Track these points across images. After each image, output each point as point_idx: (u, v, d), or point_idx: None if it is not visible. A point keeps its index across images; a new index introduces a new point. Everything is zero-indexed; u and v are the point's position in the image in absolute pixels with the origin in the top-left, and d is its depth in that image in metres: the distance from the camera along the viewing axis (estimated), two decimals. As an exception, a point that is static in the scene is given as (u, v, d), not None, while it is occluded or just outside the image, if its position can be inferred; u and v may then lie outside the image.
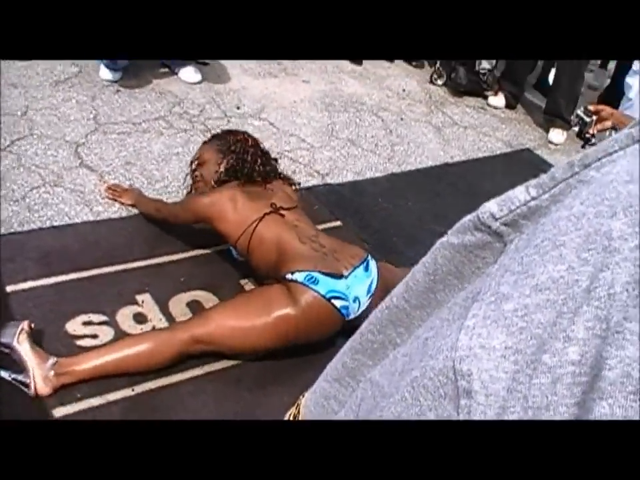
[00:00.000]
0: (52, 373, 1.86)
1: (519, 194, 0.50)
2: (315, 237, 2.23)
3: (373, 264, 2.22)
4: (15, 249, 2.33)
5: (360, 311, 2.17)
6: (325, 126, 3.70)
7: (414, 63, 4.79)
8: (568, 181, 0.47)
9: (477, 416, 0.43)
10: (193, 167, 2.51)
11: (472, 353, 0.43)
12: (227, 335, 2.02)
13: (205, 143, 2.55)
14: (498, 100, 4.59)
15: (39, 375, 1.84)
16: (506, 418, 0.42)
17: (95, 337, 2.10)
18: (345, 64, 4.45)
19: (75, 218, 2.56)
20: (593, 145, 3.51)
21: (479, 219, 0.51)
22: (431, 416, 0.47)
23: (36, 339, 1.99)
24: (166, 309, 2.26)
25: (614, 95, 4.49)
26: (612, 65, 5.20)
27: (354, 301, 2.13)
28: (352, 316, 2.15)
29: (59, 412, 1.85)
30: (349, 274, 2.13)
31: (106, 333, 2.12)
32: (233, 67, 3.96)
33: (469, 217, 0.53)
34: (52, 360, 1.88)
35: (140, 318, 2.20)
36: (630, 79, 4.31)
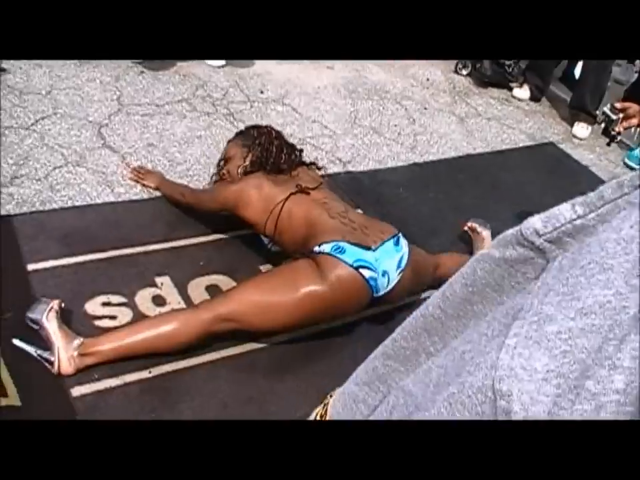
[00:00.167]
0: (76, 353, 1.87)
1: (565, 211, 0.49)
2: (344, 213, 2.21)
3: (403, 240, 2.20)
4: (36, 227, 2.34)
5: (389, 286, 2.13)
6: (348, 113, 3.69)
7: (439, 52, 4.74)
8: (617, 201, 0.45)
9: None
10: (220, 165, 2.52)
11: (513, 373, 0.42)
12: (252, 312, 1.98)
13: (229, 141, 2.54)
14: (523, 92, 4.55)
15: (64, 354, 1.85)
16: None
17: (113, 318, 2.11)
18: (370, 51, 4.42)
19: (96, 198, 2.56)
20: (619, 142, 3.49)
21: (522, 234, 0.50)
22: None
23: (65, 316, 2.00)
24: (185, 292, 2.26)
25: (641, 90, 4.44)
26: (640, 59, 5.12)
27: (383, 275, 2.09)
28: (381, 291, 2.12)
29: (77, 391, 1.86)
30: (378, 247, 2.09)
31: (125, 314, 2.13)
32: (257, 51, 3.94)
33: (511, 230, 0.53)
34: (78, 340, 1.89)
35: (159, 300, 2.20)
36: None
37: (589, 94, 4.23)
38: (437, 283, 2.53)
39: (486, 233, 2.84)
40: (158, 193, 2.65)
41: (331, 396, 0.74)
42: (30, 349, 1.89)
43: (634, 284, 0.39)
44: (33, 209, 2.42)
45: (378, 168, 3.28)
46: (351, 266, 2.01)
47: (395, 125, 3.71)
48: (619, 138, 4.01)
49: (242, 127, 3.17)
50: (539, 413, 0.41)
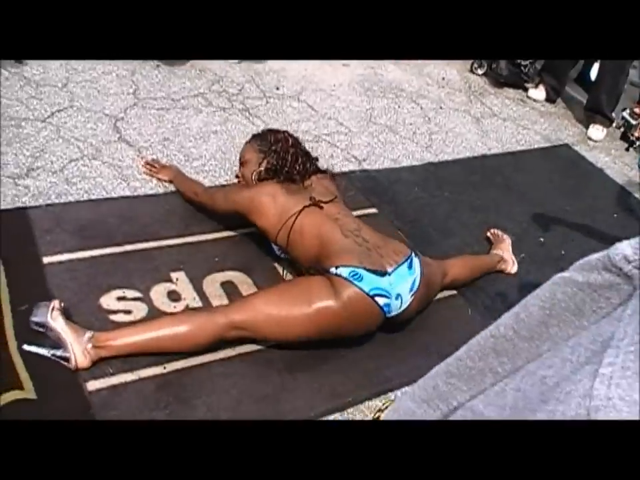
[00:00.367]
0: (90, 345, 1.87)
1: None
2: (357, 231, 2.20)
3: (416, 262, 2.19)
4: (52, 220, 2.34)
5: (402, 308, 2.15)
6: (364, 111, 3.67)
7: (454, 51, 4.72)
8: None
9: None
10: (237, 167, 2.52)
11: (610, 403, 0.41)
12: (266, 323, 2.00)
13: (246, 142, 2.53)
14: (538, 93, 4.53)
15: (78, 348, 1.85)
16: None
17: (128, 312, 2.10)
18: (385, 49, 4.40)
19: (111, 192, 2.56)
20: (638, 147, 3.46)
21: (609, 260, 0.49)
22: None
23: (71, 311, 2.00)
24: (200, 288, 2.25)
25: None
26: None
27: (396, 298, 2.11)
28: (393, 313, 2.14)
29: (92, 386, 1.86)
30: (393, 271, 2.10)
31: (140, 309, 2.12)
32: (272, 47, 3.93)
33: (596, 255, 0.52)
34: (88, 333, 1.88)
35: (174, 296, 2.20)
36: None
37: (605, 96, 4.20)
38: (450, 287, 2.54)
39: (506, 238, 2.86)
40: (173, 188, 2.65)
41: (380, 410, 0.73)
42: (43, 351, 1.87)
43: None
44: (49, 202, 2.42)
45: (393, 167, 3.26)
46: (367, 294, 2.03)
47: (411, 124, 3.70)
48: (638, 143, 4.00)
49: (258, 122, 3.18)
50: None
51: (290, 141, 2.45)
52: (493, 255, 2.77)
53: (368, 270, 2.05)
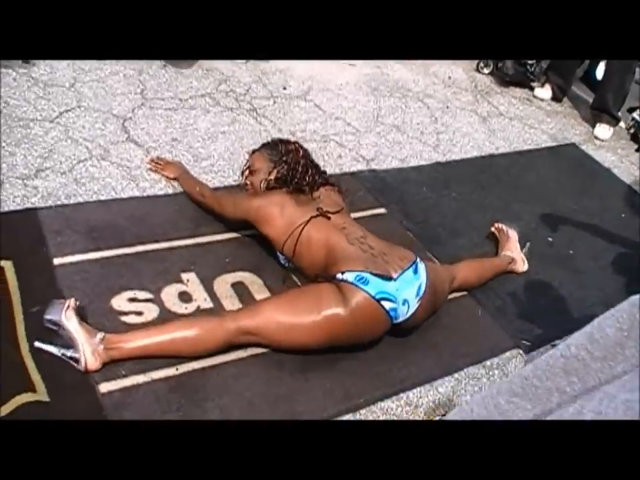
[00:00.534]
0: (101, 347, 1.86)
1: None
2: (363, 239, 2.21)
3: (422, 267, 2.19)
4: (62, 221, 2.33)
5: (408, 314, 2.15)
6: (371, 110, 3.67)
7: (460, 51, 4.72)
8: None
9: None
10: (245, 175, 2.51)
11: None
12: (275, 330, 2.01)
13: (255, 151, 2.52)
14: (544, 92, 4.52)
15: (89, 349, 1.84)
16: None
17: (139, 314, 2.10)
18: (391, 48, 4.40)
19: (121, 193, 2.55)
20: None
21: None
22: None
23: (82, 313, 1.99)
24: (211, 289, 2.25)
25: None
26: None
27: (403, 304, 2.10)
28: (400, 319, 2.13)
29: (104, 387, 1.85)
30: (398, 276, 2.10)
31: (151, 311, 2.11)
32: (279, 46, 3.93)
33: None
34: (100, 335, 1.88)
35: (185, 297, 2.19)
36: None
37: (612, 95, 4.20)
38: (459, 291, 2.54)
39: (511, 232, 2.83)
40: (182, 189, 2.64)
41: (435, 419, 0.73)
42: (53, 350, 1.87)
43: None
44: (58, 203, 2.41)
45: (401, 166, 3.26)
46: (374, 297, 2.02)
47: (418, 123, 3.69)
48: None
49: (266, 123, 3.18)
50: None
51: (301, 152, 2.45)
52: (502, 257, 2.75)
53: (374, 274, 2.05)
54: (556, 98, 4.53)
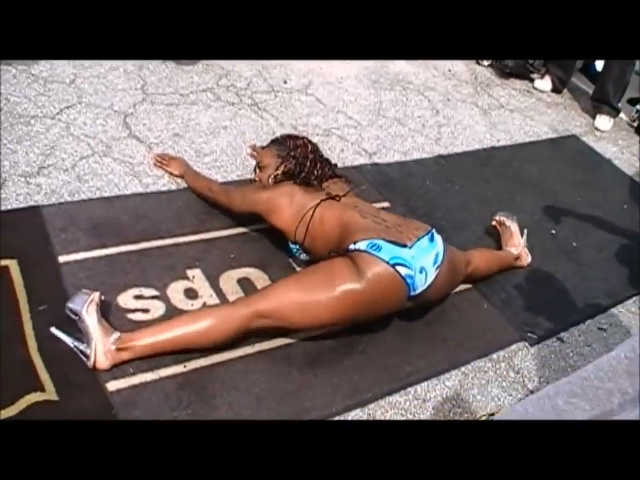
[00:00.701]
0: (113, 347, 1.85)
1: None
2: (376, 213, 2.20)
3: (438, 237, 2.17)
4: (66, 218, 2.31)
5: (427, 283, 2.11)
6: (372, 104, 3.65)
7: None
8: None
9: None
10: (255, 172, 2.50)
11: None
12: (290, 309, 1.96)
13: (264, 148, 2.51)
14: (544, 83, 4.51)
15: (101, 349, 1.83)
16: None
17: (146, 311, 2.09)
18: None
19: (124, 189, 2.53)
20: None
21: None
22: None
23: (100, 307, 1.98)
24: (217, 285, 2.24)
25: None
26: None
27: (420, 272, 2.06)
28: (418, 289, 2.09)
29: (113, 386, 1.84)
30: (413, 244, 2.06)
31: (157, 308, 2.10)
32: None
33: None
34: (115, 335, 1.86)
35: (191, 293, 2.18)
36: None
37: (612, 86, 4.19)
38: (468, 280, 2.53)
39: (513, 226, 2.82)
40: (185, 184, 2.63)
41: (491, 415, 0.72)
42: (67, 339, 1.88)
43: None
44: (62, 200, 2.40)
45: (403, 160, 3.25)
46: (388, 263, 1.99)
47: (419, 116, 3.68)
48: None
49: (267, 117, 3.17)
50: None
51: (309, 146, 2.43)
52: (508, 253, 2.74)
53: (387, 241, 2.02)
54: (556, 89, 4.52)
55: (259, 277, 2.32)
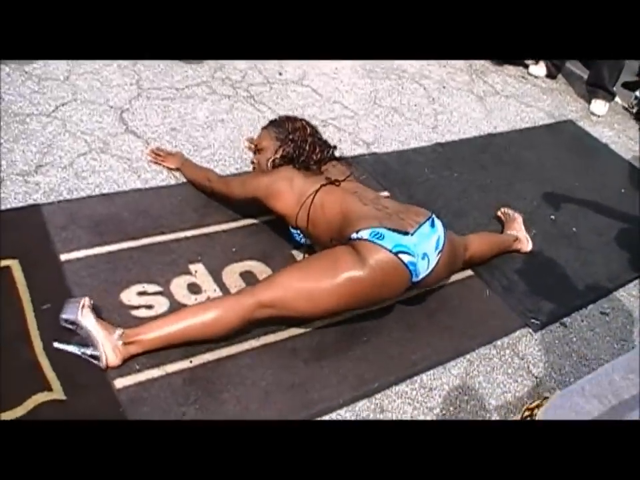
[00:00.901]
0: (120, 343, 1.84)
1: None
2: (376, 200, 2.20)
3: (438, 222, 2.18)
4: (66, 216, 2.30)
5: (429, 269, 2.11)
6: (368, 93, 3.64)
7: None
8: None
9: None
10: (254, 154, 2.49)
11: None
12: (294, 298, 1.96)
13: (263, 128, 2.50)
14: (539, 69, 4.50)
15: (109, 346, 1.82)
16: None
17: (150, 307, 2.08)
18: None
19: (123, 185, 2.52)
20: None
21: None
22: None
23: (96, 309, 1.98)
24: (219, 279, 2.23)
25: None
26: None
27: (422, 258, 2.07)
28: (421, 275, 2.09)
29: (119, 383, 1.84)
30: (415, 231, 2.06)
31: (161, 304, 2.10)
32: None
33: None
34: (119, 331, 1.86)
35: (194, 288, 2.18)
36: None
37: (607, 70, 4.18)
38: (468, 264, 2.53)
39: (517, 216, 2.84)
40: (185, 179, 2.62)
41: (530, 409, 0.72)
42: (74, 349, 1.85)
43: None
44: (61, 198, 2.38)
45: (402, 149, 3.24)
46: (391, 251, 1.98)
47: (415, 105, 3.67)
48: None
49: (264, 109, 3.15)
50: None
51: (308, 129, 2.42)
52: (508, 235, 2.76)
53: (389, 229, 2.02)
54: (550, 75, 4.52)
55: (261, 270, 2.31)
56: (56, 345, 1.85)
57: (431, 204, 2.90)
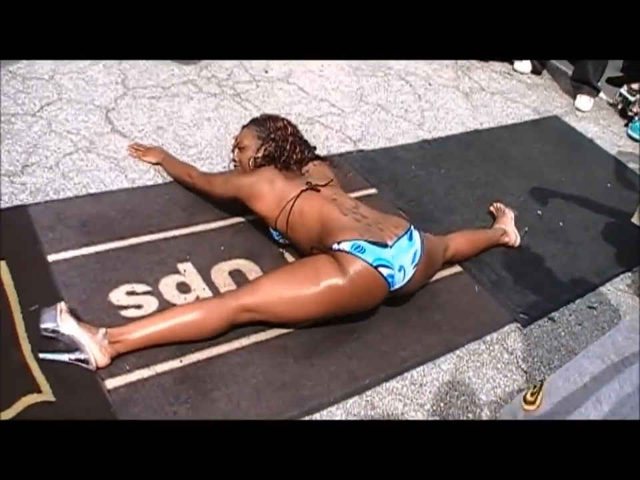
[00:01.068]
0: (105, 342, 1.84)
1: None
2: (355, 209, 2.22)
3: (416, 234, 2.20)
4: (53, 217, 2.29)
5: (405, 280, 2.15)
6: (354, 91, 3.64)
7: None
8: None
9: None
10: (234, 151, 2.49)
11: None
12: (275, 304, 2.00)
13: (244, 127, 2.50)
14: (524, 65, 4.52)
15: (95, 347, 1.81)
16: None
17: (139, 307, 2.07)
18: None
19: (110, 185, 2.51)
20: (637, 122, 3.48)
21: None
22: None
23: (81, 309, 1.97)
24: (208, 278, 2.23)
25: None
26: None
27: (399, 270, 2.10)
28: (397, 285, 2.13)
29: (110, 384, 1.83)
30: (394, 243, 2.10)
31: (150, 303, 2.09)
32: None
33: None
34: (102, 330, 1.85)
35: (183, 287, 2.17)
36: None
37: (592, 66, 4.20)
38: (452, 262, 2.54)
39: (508, 212, 2.86)
40: (171, 178, 2.61)
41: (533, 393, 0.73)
42: (61, 357, 1.82)
43: None
44: (48, 198, 2.37)
45: (389, 146, 3.24)
46: (371, 265, 2.02)
47: (402, 102, 3.68)
48: (637, 119, 4.02)
49: (250, 107, 3.15)
50: None
51: (289, 129, 2.43)
52: (495, 229, 2.77)
53: (369, 242, 2.05)
54: (535, 71, 4.53)
55: (250, 269, 2.31)
56: (42, 355, 1.82)
57: (418, 201, 2.92)
